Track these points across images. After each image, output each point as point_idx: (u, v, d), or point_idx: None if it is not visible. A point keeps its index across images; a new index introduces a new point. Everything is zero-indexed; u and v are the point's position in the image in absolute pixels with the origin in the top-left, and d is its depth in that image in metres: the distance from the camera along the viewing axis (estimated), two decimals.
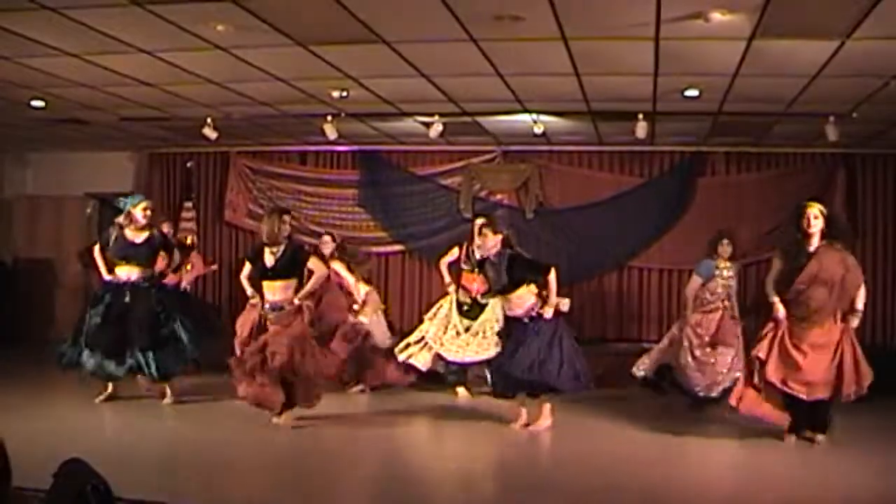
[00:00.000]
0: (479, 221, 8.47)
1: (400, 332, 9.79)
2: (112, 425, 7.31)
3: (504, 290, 7.09)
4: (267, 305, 7.02)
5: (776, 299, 6.61)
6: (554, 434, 7.15)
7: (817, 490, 5.64)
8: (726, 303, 8.26)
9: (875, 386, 6.61)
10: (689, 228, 10.64)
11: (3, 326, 11.72)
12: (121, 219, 7.80)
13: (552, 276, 7.03)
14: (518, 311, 7.04)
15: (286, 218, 7.11)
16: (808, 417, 6.65)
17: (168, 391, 7.93)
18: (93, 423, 7.22)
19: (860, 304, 6.57)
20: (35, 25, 6.13)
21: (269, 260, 6.99)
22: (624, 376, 9.71)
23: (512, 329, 7.12)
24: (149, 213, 7.79)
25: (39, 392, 8.39)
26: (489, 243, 7.10)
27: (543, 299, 7.02)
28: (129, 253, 7.73)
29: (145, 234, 7.76)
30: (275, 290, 6.99)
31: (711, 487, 5.76)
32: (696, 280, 8.42)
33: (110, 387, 7.91)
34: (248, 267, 7.24)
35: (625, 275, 11.27)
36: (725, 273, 8.34)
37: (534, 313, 6.99)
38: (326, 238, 9.41)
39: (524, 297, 7.04)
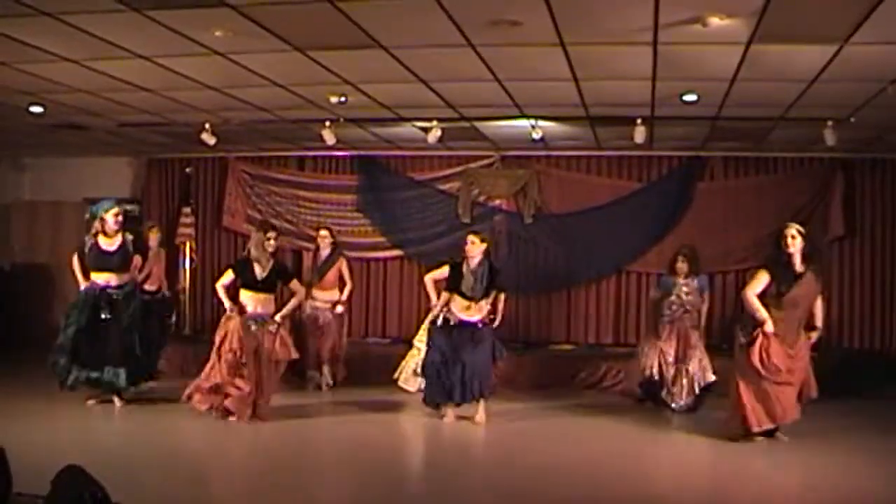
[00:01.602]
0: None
1: (399, 338, 9.78)
2: (109, 431, 7.29)
3: (482, 297, 7.58)
4: (248, 316, 7.31)
5: (766, 315, 6.67)
6: (539, 439, 7.26)
7: (796, 489, 5.72)
8: (684, 316, 8.37)
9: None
10: (687, 233, 10.62)
11: (1, 331, 11.69)
12: (95, 225, 7.81)
13: (502, 297, 7.97)
14: (475, 318, 7.55)
15: (271, 234, 7.54)
16: None
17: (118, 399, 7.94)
18: (90, 428, 7.21)
19: (819, 322, 6.91)
20: (33, 31, 6.12)
21: (258, 272, 7.39)
22: (620, 382, 9.74)
23: (464, 331, 7.51)
24: (120, 218, 7.80)
25: (37, 397, 8.35)
26: (475, 251, 7.56)
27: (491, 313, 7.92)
28: (103, 262, 7.80)
29: (117, 241, 7.79)
30: (258, 303, 7.40)
31: (694, 488, 5.78)
32: (652, 294, 8.82)
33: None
34: (228, 276, 7.49)
35: (623, 279, 11.27)
36: (684, 289, 8.39)
37: (485, 320, 7.66)
38: (324, 232, 9.38)
39: (484, 307, 7.68)
